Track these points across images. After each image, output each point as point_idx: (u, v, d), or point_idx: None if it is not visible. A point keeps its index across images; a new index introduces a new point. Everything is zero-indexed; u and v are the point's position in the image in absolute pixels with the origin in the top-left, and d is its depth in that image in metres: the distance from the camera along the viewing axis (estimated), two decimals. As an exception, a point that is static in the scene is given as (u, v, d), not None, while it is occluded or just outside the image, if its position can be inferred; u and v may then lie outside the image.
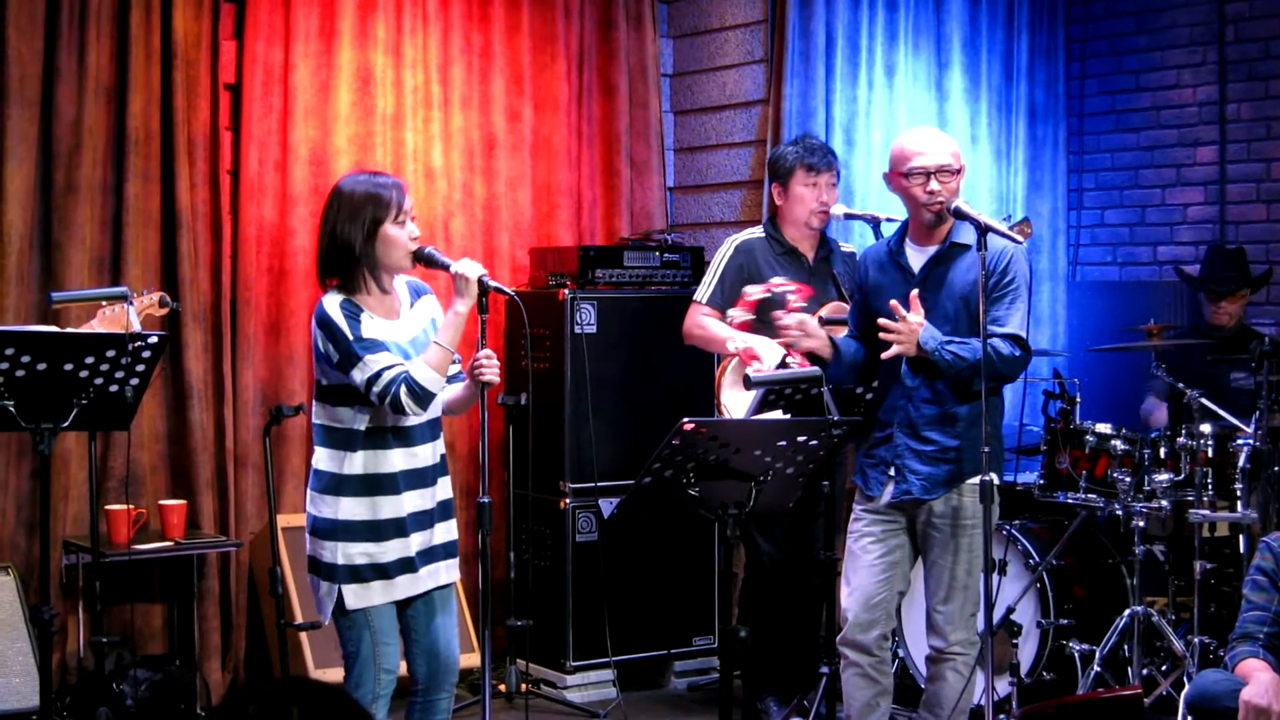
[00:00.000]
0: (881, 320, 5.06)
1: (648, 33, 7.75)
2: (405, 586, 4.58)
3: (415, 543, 4.58)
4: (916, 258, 5.27)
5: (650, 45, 7.75)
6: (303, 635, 6.26)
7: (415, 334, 4.62)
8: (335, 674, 6.22)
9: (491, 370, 4.49)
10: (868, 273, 5.42)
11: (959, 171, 5.25)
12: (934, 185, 5.20)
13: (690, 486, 4.62)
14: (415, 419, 4.56)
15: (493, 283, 4.51)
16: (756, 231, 6.40)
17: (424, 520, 4.61)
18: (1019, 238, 5.71)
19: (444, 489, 4.66)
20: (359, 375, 4.44)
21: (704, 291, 6.31)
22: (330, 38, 6.84)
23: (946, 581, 5.19)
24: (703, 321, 6.26)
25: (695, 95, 7.88)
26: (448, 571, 4.68)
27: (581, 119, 7.56)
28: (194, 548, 6.31)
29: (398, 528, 4.55)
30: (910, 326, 5.01)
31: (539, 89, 7.44)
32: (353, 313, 4.50)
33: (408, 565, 4.57)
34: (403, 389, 4.42)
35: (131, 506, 6.16)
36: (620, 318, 6.83)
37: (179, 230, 6.46)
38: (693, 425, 4.49)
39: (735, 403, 6.04)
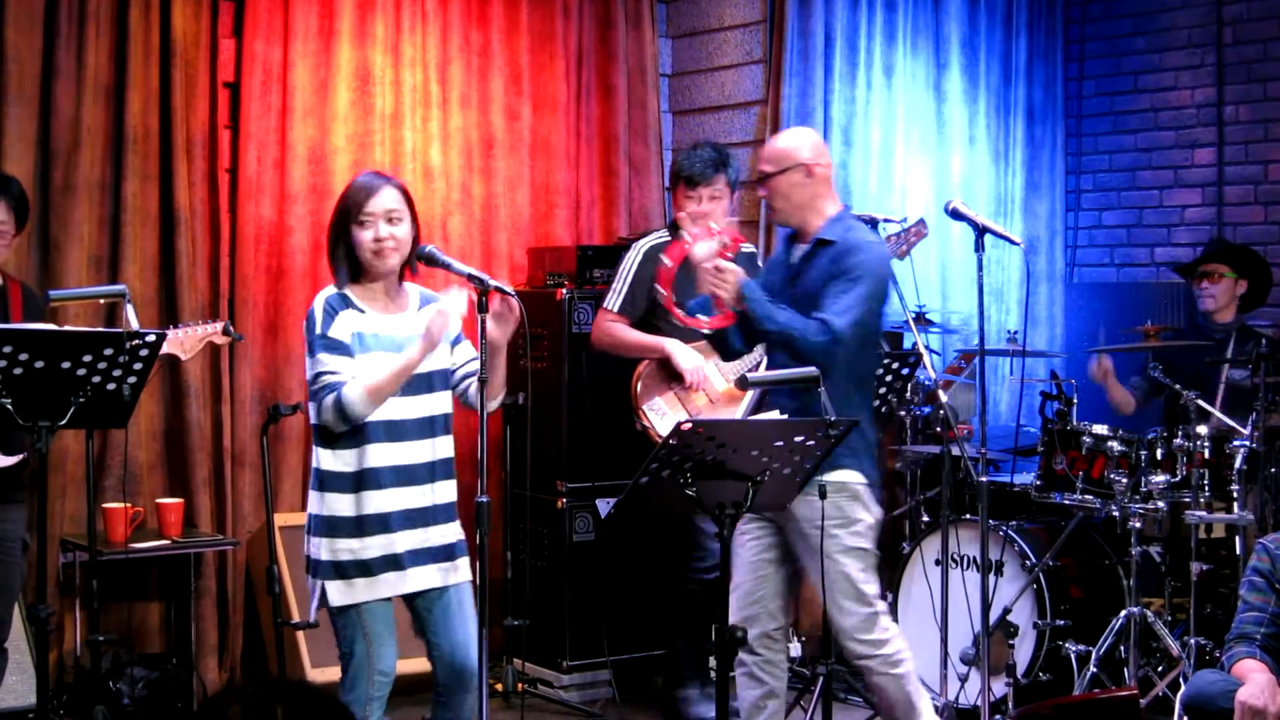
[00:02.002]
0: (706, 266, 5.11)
1: (646, 33, 7.75)
2: (391, 584, 4.58)
3: (403, 541, 4.58)
4: (796, 252, 5.30)
5: (649, 45, 7.76)
6: (300, 634, 6.26)
7: (416, 331, 4.61)
8: (333, 673, 6.18)
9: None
10: (770, 264, 5.51)
11: (768, 177, 5.24)
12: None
13: (688, 487, 4.62)
14: (407, 415, 4.58)
15: (493, 282, 4.51)
16: (663, 235, 6.41)
17: (415, 519, 4.61)
18: (1016, 239, 5.72)
19: (445, 490, 4.64)
20: (308, 370, 4.56)
21: (614, 300, 6.33)
22: (329, 36, 6.84)
23: (825, 587, 5.02)
24: (611, 328, 6.29)
25: (694, 95, 7.88)
26: (448, 574, 4.67)
27: (580, 119, 7.56)
28: (191, 546, 6.30)
29: (381, 523, 4.56)
30: (735, 275, 5.05)
31: (537, 88, 7.44)
32: (332, 310, 4.57)
33: (393, 563, 4.57)
34: (329, 399, 4.46)
35: (129, 505, 6.16)
36: (618, 317, 6.82)
37: (177, 229, 6.45)
38: (690, 425, 4.50)
39: (657, 413, 6.07)
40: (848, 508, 5.05)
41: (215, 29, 6.61)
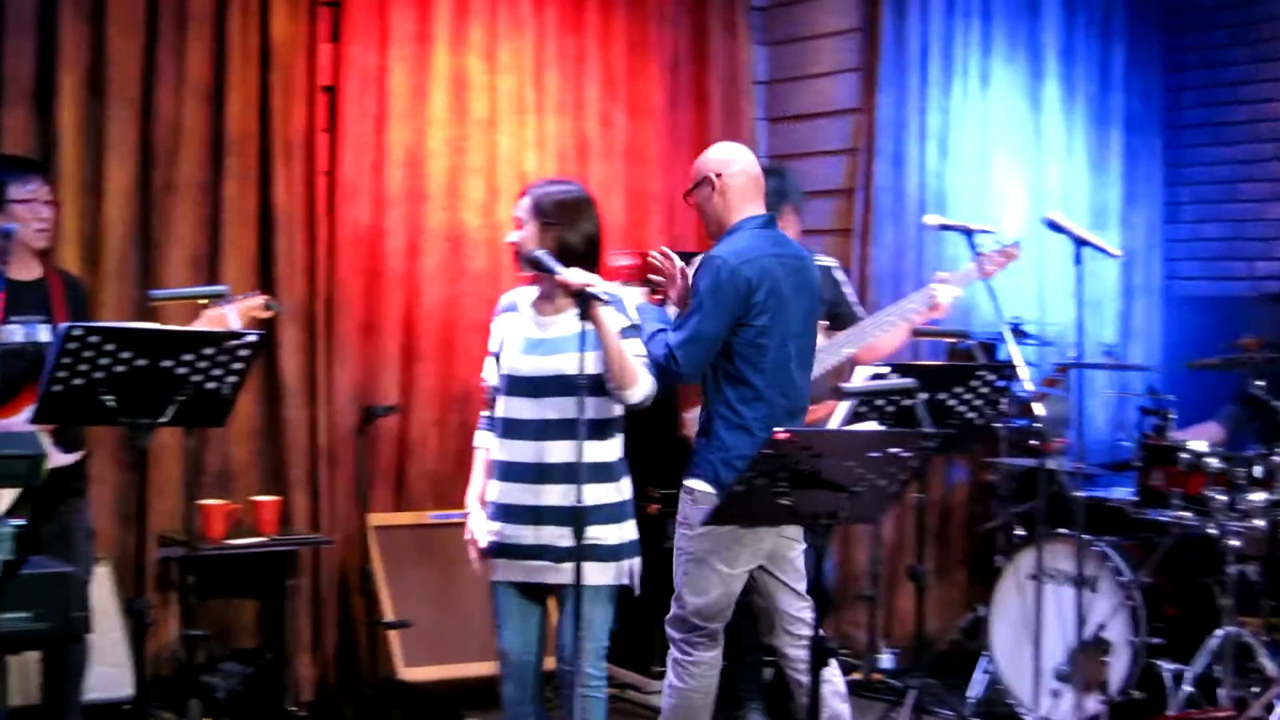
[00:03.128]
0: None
1: (741, 40, 7.75)
2: (500, 570, 4.79)
3: (508, 533, 4.74)
4: None
5: (743, 52, 7.75)
6: (393, 634, 6.29)
7: (555, 335, 4.73)
8: (424, 673, 6.28)
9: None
10: None
11: (688, 194, 5.30)
12: None
13: (782, 495, 4.61)
14: (517, 415, 4.74)
15: (592, 290, 4.53)
16: None
17: (522, 515, 4.73)
18: (1115, 251, 5.67)
19: (566, 494, 4.63)
20: None
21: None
22: (425, 42, 6.88)
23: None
24: None
25: (789, 103, 7.86)
26: (550, 573, 4.72)
27: (674, 125, 7.56)
28: (286, 544, 6.34)
29: (492, 511, 4.80)
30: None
31: (632, 95, 7.45)
32: (497, 314, 4.90)
33: (501, 550, 4.77)
34: None
35: (226, 502, 6.22)
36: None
37: (275, 230, 6.51)
38: (786, 434, 4.49)
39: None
40: (689, 512, 5.11)
41: (314, 33, 6.66)
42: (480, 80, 7.00)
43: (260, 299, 5.46)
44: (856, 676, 6.93)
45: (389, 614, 6.34)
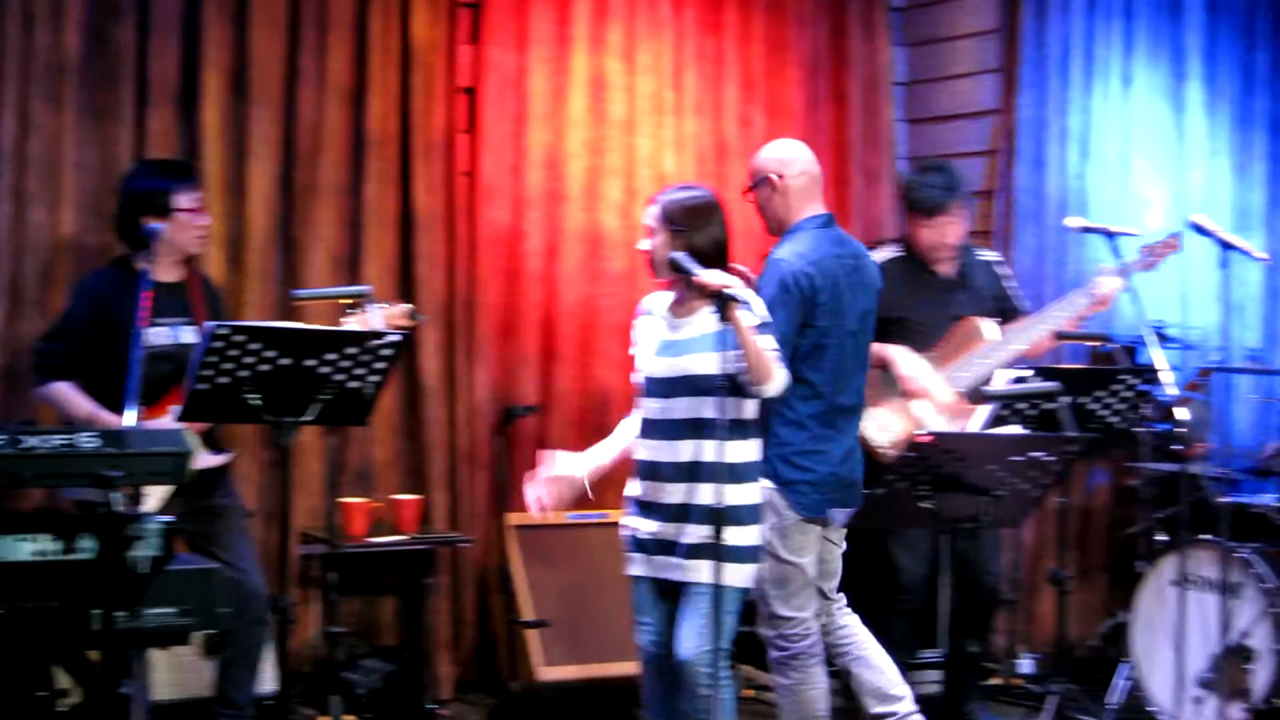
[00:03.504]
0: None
1: (880, 41, 7.70)
2: (635, 564, 4.86)
3: (644, 527, 4.81)
4: None
5: (882, 53, 7.71)
6: (531, 633, 6.32)
7: (687, 336, 4.77)
8: (563, 672, 6.30)
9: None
10: None
11: (752, 189, 5.35)
12: None
13: (923, 499, 4.60)
14: (652, 415, 4.79)
15: (730, 292, 4.53)
16: (897, 250, 6.24)
17: (655, 512, 4.78)
18: (1261, 255, 5.58)
19: (696, 493, 4.68)
20: None
21: None
22: (564, 43, 6.92)
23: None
24: None
25: (928, 104, 7.81)
26: (682, 570, 4.74)
27: (813, 126, 7.52)
28: (426, 542, 6.38)
29: (630, 506, 4.88)
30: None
31: (771, 96, 7.43)
32: (639, 314, 4.93)
33: (637, 545, 4.85)
34: None
35: (367, 500, 6.29)
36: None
37: (416, 231, 6.58)
38: (928, 437, 4.47)
39: (876, 423, 5.98)
40: None
41: (453, 35, 6.71)
42: (619, 81, 7.02)
43: (404, 308, 5.51)
44: (996, 681, 6.89)
45: (528, 613, 6.37)
